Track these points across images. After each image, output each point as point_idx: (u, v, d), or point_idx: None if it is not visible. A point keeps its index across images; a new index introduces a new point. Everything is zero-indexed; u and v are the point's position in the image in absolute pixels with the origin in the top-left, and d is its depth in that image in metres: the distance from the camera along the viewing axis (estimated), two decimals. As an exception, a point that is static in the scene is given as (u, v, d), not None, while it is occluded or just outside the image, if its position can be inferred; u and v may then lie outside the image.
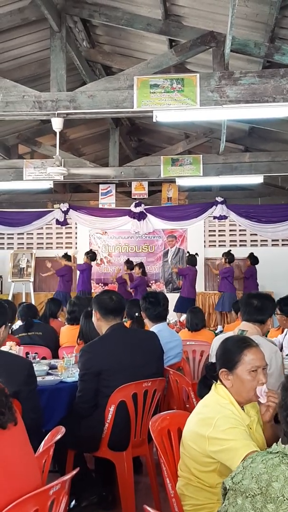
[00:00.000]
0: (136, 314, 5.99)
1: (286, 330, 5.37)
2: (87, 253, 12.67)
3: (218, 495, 2.22)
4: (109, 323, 3.62)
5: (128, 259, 13.06)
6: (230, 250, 12.26)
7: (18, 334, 5.44)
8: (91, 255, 12.65)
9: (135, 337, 3.77)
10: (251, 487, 1.58)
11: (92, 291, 13.02)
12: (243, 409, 2.42)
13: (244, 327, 3.47)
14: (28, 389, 3.07)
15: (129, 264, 12.68)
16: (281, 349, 5.06)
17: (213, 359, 3.67)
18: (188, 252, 12.78)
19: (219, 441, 2.19)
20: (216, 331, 10.56)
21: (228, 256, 11.97)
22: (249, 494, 1.57)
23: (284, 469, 1.57)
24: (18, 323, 6.51)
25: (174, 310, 11.19)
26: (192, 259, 11.99)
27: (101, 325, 3.66)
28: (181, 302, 11.46)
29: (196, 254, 12.19)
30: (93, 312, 3.72)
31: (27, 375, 3.10)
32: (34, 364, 3.44)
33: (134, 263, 12.70)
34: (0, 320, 3.30)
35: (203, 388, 2.46)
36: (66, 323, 6.04)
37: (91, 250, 13.01)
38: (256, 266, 12.37)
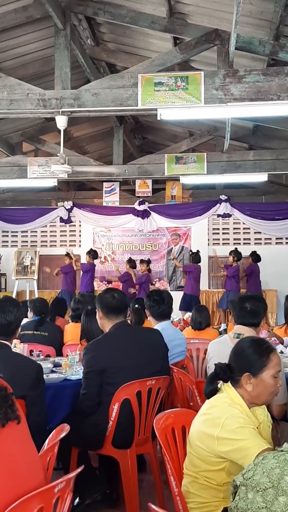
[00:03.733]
0: (136, 305, 6.00)
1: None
2: (88, 252, 12.62)
3: (224, 493, 2.23)
4: (112, 322, 3.63)
5: (130, 258, 13.03)
6: (237, 248, 12.23)
7: (24, 331, 5.41)
8: (93, 253, 12.62)
9: (139, 335, 3.77)
10: (262, 481, 1.59)
11: (96, 289, 13.04)
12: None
13: (239, 331, 3.47)
14: (35, 393, 3.06)
15: (131, 263, 12.66)
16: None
17: (211, 362, 3.67)
18: (191, 250, 12.78)
19: (229, 441, 2.19)
20: (220, 329, 10.55)
21: (237, 254, 11.92)
22: (260, 488, 1.59)
23: None
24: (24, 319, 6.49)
25: (180, 309, 11.18)
26: (196, 257, 11.98)
27: (104, 323, 3.68)
28: (185, 299, 11.47)
29: (198, 251, 12.21)
30: (97, 310, 3.73)
31: (35, 379, 3.09)
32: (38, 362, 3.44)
33: (139, 261, 12.69)
34: (20, 318, 3.29)
35: (210, 386, 2.46)
36: (70, 320, 6.04)
37: (91, 249, 12.97)
38: (258, 264, 12.33)
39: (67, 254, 12.85)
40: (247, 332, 3.46)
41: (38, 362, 3.45)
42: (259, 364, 2.39)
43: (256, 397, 2.39)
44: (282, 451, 1.67)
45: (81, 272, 12.76)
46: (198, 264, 11.97)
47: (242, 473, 1.71)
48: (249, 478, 1.65)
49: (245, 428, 2.20)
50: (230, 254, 12.01)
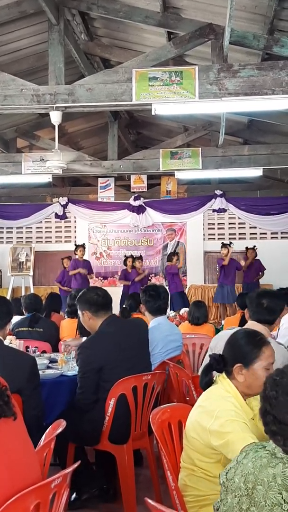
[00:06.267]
0: (123, 306, 5.99)
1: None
2: (82, 248, 12.25)
3: None
4: (102, 318, 3.60)
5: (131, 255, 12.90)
6: (231, 242, 12.23)
7: (19, 328, 5.40)
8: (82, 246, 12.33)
9: (129, 328, 3.77)
10: (240, 487, 1.60)
11: (92, 285, 13.00)
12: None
13: (252, 327, 3.39)
14: (30, 386, 3.07)
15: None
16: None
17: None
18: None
19: (220, 434, 2.20)
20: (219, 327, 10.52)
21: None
22: (237, 494, 1.60)
23: (270, 472, 1.57)
24: (16, 317, 6.47)
25: (176, 308, 11.08)
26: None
27: (93, 323, 3.62)
28: (177, 298, 11.48)
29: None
30: (82, 313, 3.66)
31: (30, 373, 3.09)
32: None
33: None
34: (8, 317, 3.30)
35: (205, 377, 2.47)
36: (66, 316, 6.03)
37: (75, 243, 12.68)
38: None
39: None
40: (260, 329, 3.38)
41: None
42: (251, 356, 2.40)
43: (247, 388, 2.39)
44: (264, 447, 1.66)
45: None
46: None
47: (226, 470, 1.71)
48: (231, 478, 1.65)
49: (234, 422, 2.21)
50: (223, 247, 11.96)
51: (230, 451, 2.14)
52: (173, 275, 11.96)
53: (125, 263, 12.47)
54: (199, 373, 2.55)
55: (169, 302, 11.03)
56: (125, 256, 12.80)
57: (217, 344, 3.67)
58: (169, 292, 11.27)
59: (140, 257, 12.39)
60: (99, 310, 3.60)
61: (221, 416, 2.23)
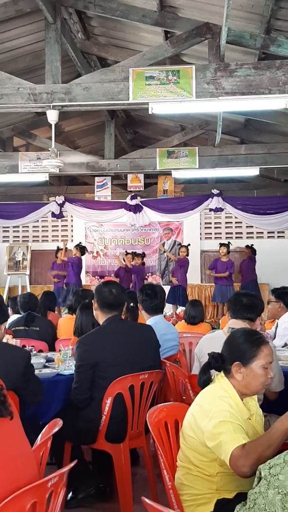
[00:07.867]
0: (132, 304, 5.99)
1: (277, 321, 5.34)
2: (76, 246, 12.31)
3: (217, 484, 2.25)
4: (106, 315, 3.63)
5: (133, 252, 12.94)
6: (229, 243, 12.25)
7: (15, 327, 5.39)
8: (80, 248, 12.27)
9: (131, 330, 3.77)
10: (285, 485, 1.59)
11: (89, 283, 13.00)
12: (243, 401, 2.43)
13: (233, 325, 3.43)
14: (26, 376, 3.10)
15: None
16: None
17: (204, 359, 3.66)
18: (180, 243, 12.77)
19: (213, 436, 2.20)
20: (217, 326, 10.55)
21: (227, 247, 11.91)
22: (281, 491, 1.59)
23: None
24: (14, 316, 6.47)
25: (168, 302, 11.11)
26: (188, 251, 11.98)
27: (98, 314, 3.70)
28: (174, 291, 11.45)
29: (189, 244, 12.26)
30: (93, 300, 3.75)
31: (25, 366, 3.12)
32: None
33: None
34: (2, 317, 3.30)
35: (203, 376, 2.47)
36: (67, 311, 6.01)
37: (80, 243, 12.74)
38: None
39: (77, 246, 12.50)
40: (241, 325, 3.45)
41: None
42: (249, 354, 2.40)
43: (245, 386, 2.39)
44: None
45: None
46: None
47: (269, 464, 1.69)
48: (275, 475, 1.64)
49: (227, 423, 2.21)
50: (221, 246, 11.98)
51: (223, 452, 2.15)
52: (180, 267, 11.93)
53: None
54: (192, 372, 2.55)
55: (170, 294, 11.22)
56: (125, 251, 12.81)
57: (202, 349, 3.71)
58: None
59: (137, 254, 12.43)
60: (104, 307, 3.64)
61: (216, 417, 2.23)
